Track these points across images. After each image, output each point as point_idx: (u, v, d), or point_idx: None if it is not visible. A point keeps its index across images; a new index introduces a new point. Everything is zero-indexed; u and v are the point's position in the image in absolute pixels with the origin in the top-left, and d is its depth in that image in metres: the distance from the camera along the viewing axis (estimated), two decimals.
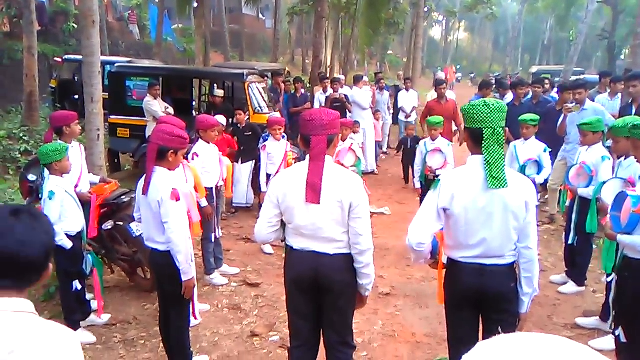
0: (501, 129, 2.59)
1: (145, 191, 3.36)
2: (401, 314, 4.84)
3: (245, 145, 7.45)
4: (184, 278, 3.39)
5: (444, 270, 2.88)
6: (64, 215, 4.09)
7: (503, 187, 2.52)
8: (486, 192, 2.56)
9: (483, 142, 2.56)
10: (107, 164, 8.69)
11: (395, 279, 5.59)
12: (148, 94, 8.59)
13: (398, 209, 8.07)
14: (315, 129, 2.77)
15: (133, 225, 4.90)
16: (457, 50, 55.84)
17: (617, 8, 30.06)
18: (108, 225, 5.03)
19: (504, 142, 2.61)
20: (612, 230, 3.33)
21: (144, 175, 3.41)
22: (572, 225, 5.03)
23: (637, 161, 3.39)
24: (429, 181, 5.97)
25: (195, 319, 4.10)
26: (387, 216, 7.91)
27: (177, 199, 3.32)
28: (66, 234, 4.10)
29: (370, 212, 7.76)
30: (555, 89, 9.46)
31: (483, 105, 2.57)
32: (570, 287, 5.29)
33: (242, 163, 7.49)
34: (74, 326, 4.32)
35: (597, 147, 4.87)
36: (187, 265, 3.38)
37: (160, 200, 3.29)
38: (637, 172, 3.75)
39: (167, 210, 3.29)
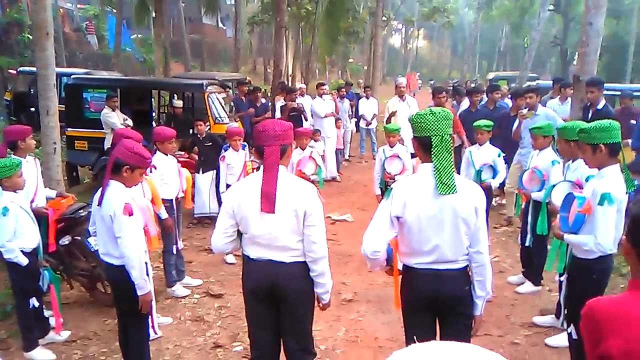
0: (449, 136, 2.67)
1: (99, 203, 3.33)
2: (364, 320, 4.89)
3: (205, 155, 7.43)
4: (139, 293, 3.36)
5: (400, 276, 2.93)
6: (19, 232, 4.00)
7: (452, 193, 2.59)
8: (437, 199, 2.63)
9: (432, 149, 2.63)
10: (65, 178, 8.54)
11: (358, 285, 5.65)
12: (106, 106, 8.48)
13: (360, 216, 8.14)
14: (268, 139, 2.81)
15: (91, 240, 4.82)
16: (416, 57, 56.71)
17: (568, 16, 31.16)
18: (65, 240, 4.95)
19: (452, 149, 2.69)
20: (560, 230, 3.46)
21: (100, 188, 3.38)
22: (528, 228, 5.19)
23: (586, 163, 3.53)
24: (388, 187, 6.06)
25: (155, 333, 4.06)
26: (349, 223, 7.98)
27: (130, 214, 3.29)
28: (21, 251, 4.01)
29: (333, 219, 7.92)
30: (509, 96, 9.74)
31: (430, 114, 2.65)
32: (527, 287, 5.45)
33: (202, 173, 7.46)
34: (32, 344, 4.24)
35: (548, 152, 5.05)
36: (142, 280, 3.35)
37: (112, 214, 3.26)
38: (583, 175, 3.91)
39: (120, 225, 3.26)
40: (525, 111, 7.02)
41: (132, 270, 3.29)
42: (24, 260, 3.99)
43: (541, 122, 5.34)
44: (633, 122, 7.15)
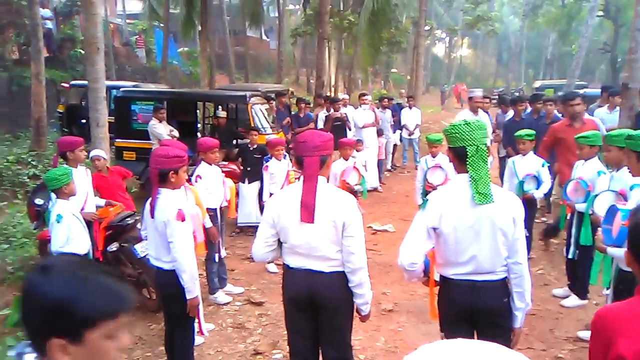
0: (484, 145, 2.67)
1: (152, 214, 3.46)
2: (404, 330, 4.88)
3: (252, 165, 7.50)
4: (188, 297, 3.47)
5: (437, 287, 2.93)
6: (71, 238, 4.19)
7: (489, 202, 2.59)
8: (474, 209, 2.63)
9: (467, 159, 2.63)
10: None
11: (399, 296, 5.63)
12: (153, 117, 8.74)
13: (402, 226, 8.10)
14: (308, 150, 2.86)
15: (138, 247, 5.00)
16: (460, 66, 56.04)
17: (618, 22, 30.23)
18: (113, 247, 5.14)
19: (487, 158, 2.69)
20: (603, 242, 3.39)
21: (150, 198, 3.51)
22: (572, 240, 5.07)
23: (630, 171, 3.44)
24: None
25: (202, 334, 4.15)
26: (390, 233, 7.97)
27: (183, 220, 3.42)
28: None
29: (374, 229, 7.91)
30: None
31: (464, 125, 2.66)
32: (573, 300, 5.31)
33: (249, 183, 7.56)
34: None
35: (593, 162, 4.90)
36: (192, 284, 3.46)
37: (166, 221, 3.39)
38: (627, 184, 3.81)
39: (172, 231, 3.39)
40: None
41: (183, 274, 3.41)
42: None
43: (587, 132, 5.22)
44: None
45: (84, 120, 12.33)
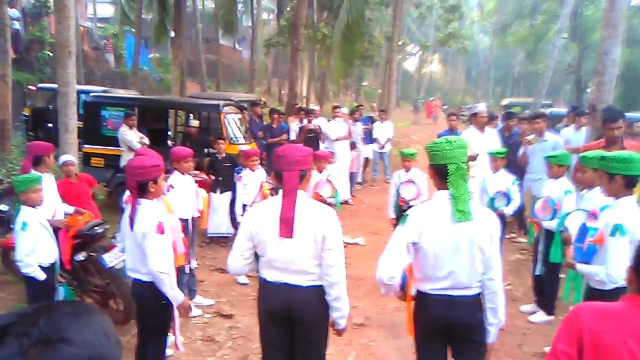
0: (464, 164, 2.71)
1: (131, 226, 3.39)
2: (375, 345, 4.87)
3: (223, 175, 7.45)
4: (175, 303, 3.43)
5: (413, 302, 2.94)
6: (37, 247, 4.07)
7: (469, 220, 2.62)
8: (453, 226, 2.66)
9: (448, 177, 2.67)
10: None
11: (370, 309, 5.63)
12: (124, 124, 8.60)
13: (373, 239, 8.14)
14: (288, 164, 2.85)
15: (106, 257, 4.88)
16: (430, 82, 56.87)
17: (583, 44, 31.14)
18: (81, 256, 5.00)
19: (467, 176, 2.72)
20: (573, 259, 3.46)
21: (129, 209, 3.43)
22: (539, 257, 5.17)
23: (602, 192, 3.53)
24: (402, 212, 6.07)
25: (177, 349, 4.06)
26: (361, 246, 7.98)
27: (162, 232, 3.35)
28: (39, 266, 4.07)
29: (345, 243, 7.91)
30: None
31: (446, 142, 2.70)
32: (540, 316, 5.40)
33: (220, 193, 7.49)
34: None
35: (562, 181, 5.06)
36: (174, 292, 3.41)
37: (145, 233, 3.32)
38: (598, 204, 3.90)
39: (151, 243, 3.32)
40: (530, 137, 7.03)
41: (162, 286, 3.35)
42: (41, 275, 4.05)
43: (557, 152, 5.36)
44: None
45: (50, 125, 12.10)
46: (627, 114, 10.87)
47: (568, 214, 4.22)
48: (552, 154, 5.22)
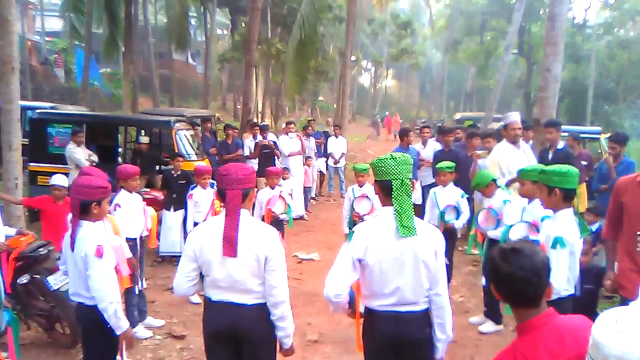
0: (409, 180, 2.74)
1: (72, 247, 3.28)
2: None
3: (178, 193, 7.27)
4: (117, 332, 3.30)
5: (362, 319, 2.94)
6: None
7: (413, 235, 2.65)
8: (398, 241, 2.67)
9: (392, 193, 2.69)
10: (27, 214, 8.34)
11: (324, 326, 5.61)
12: (71, 141, 8.40)
13: (328, 255, 8.13)
14: (231, 183, 2.82)
15: (51, 279, 4.72)
16: (385, 96, 57.78)
17: (531, 60, 32.36)
18: (24, 279, 4.81)
19: (411, 192, 2.76)
20: None
21: (70, 230, 3.33)
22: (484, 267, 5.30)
23: (541, 204, 3.63)
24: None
25: None
26: (316, 262, 7.96)
27: (101, 256, 3.24)
28: None
29: (300, 258, 7.89)
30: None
31: (391, 159, 2.73)
32: (489, 326, 5.50)
33: (174, 211, 7.34)
34: None
35: (498, 193, 5.36)
36: (116, 320, 3.28)
37: (84, 256, 3.22)
38: (539, 216, 4.03)
39: (91, 267, 3.22)
40: (479, 152, 7.21)
41: (104, 312, 3.22)
42: None
43: (474, 179, 5.61)
44: (584, 163, 7.39)
45: None
46: (573, 127, 11.37)
47: (511, 226, 4.34)
48: (473, 184, 5.56)
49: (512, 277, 1.81)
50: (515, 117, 6.43)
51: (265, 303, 2.88)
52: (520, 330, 1.87)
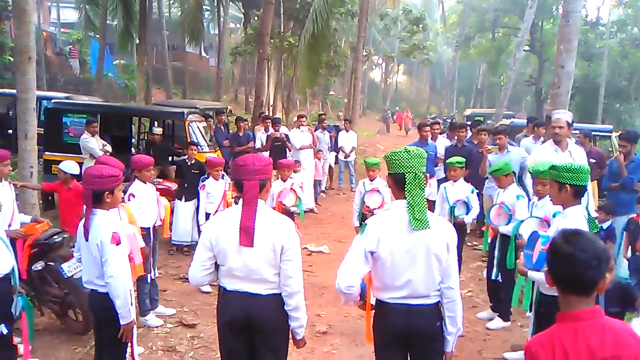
0: (422, 173, 2.77)
1: (86, 236, 3.35)
2: (337, 353, 4.90)
3: (190, 183, 7.32)
4: (122, 322, 3.36)
5: (372, 311, 2.98)
6: None
7: (425, 228, 2.67)
8: (410, 234, 2.70)
9: (405, 186, 2.72)
10: (41, 202, 8.46)
11: (333, 317, 5.66)
12: (85, 131, 8.49)
13: (337, 247, 8.18)
14: (248, 174, 2.86)
15: (65, 266, 4.81)
16: (396, 92, 57.57)
17: (542, 57, 32.10)
18: (38, 266, 4.90)
19: (424, 186, 2.79)
20: (524, 266, 3.56)
21: (84, 219, 3.39)
22: (495, 262, 5.31)
23: (551, 200, 3.64)
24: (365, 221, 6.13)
25: (133, 359, 4.01)
26: (325, 254, 8.02)
27: (118, 243, 3.31)
28: None
29: (309, 251, 7.93)
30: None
31: (404, 152, 2.76)
32: (497, 322, 5.52)
33: (185, 201, 7.41)
34: None
35: (512, 187, 5.32)
36: (126, 309, 3.35)
37: (99, 243, 3.28)
38: (550, 211, 4.04)
39: (106, 254, 3.28)
40: (490, 146, 7.21)
41: (116, 299, 3.30)
42: None
43: (497, 164, 5.52)
44: (592, 160, 7.36)
45: (10, 131, 11.82)
46: (584, 125, 11.31)
47: (522, 221, 4.35)
48: (494, 168, 5.47)
49: (573, 258, 1.80)
50: (560, 114, 5.79)
51: (279, 294, 2.92)
52: (563, 318, 1.86)
